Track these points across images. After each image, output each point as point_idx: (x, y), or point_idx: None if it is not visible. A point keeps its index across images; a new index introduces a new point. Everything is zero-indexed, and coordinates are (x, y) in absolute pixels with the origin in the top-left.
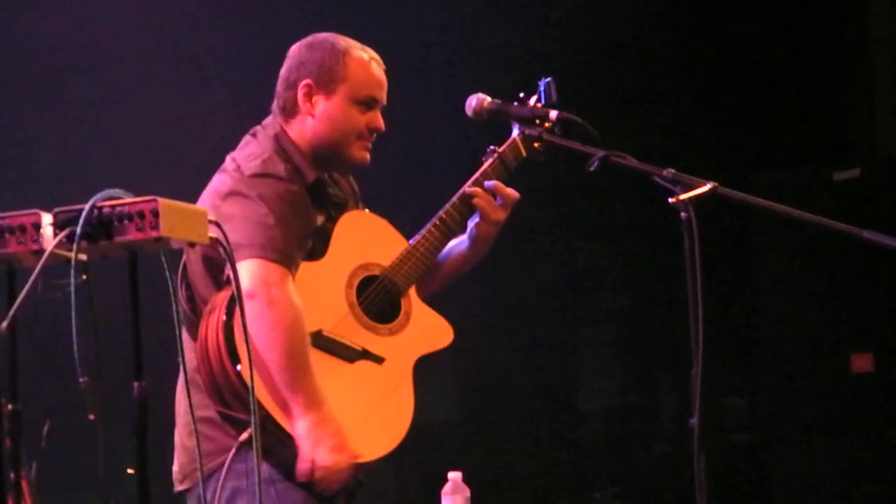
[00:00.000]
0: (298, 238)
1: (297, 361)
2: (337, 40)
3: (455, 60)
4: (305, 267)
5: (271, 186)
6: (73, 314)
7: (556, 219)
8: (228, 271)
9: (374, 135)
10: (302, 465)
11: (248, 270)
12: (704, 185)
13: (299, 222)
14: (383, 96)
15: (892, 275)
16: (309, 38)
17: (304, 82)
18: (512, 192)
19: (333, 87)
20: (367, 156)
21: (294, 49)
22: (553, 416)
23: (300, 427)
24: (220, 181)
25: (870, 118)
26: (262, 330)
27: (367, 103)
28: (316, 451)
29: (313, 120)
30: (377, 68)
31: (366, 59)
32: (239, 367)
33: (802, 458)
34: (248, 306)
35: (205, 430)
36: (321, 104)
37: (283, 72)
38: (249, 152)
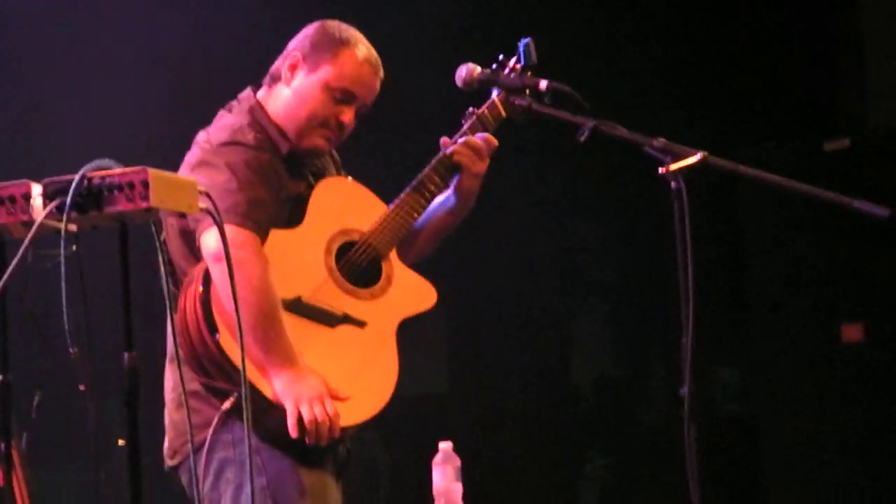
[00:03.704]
0: (266, 203)
1: (267, 320)
2: (346, 32)
3: (439, 25)
4: (282, 235)
5: (238, 154)
6: (63, 285)
7: (546, 191)
8: (198, 239)
9: (342, 130)
10: (290, 424)
11: (213, 236)
12: (694, 154)
13: (267, 188)
14: (365, 96)
15: (882, 244)
16: (329, 21)
17: (294, 54)
18: (483, 143)
19: (316, 67)
20: (325, 144)
21: (310, 25)
22: (544, 387)
23: (279, 386)
24: (191, 154)
25: (860, 88)
26: (230, 291)
27: (343, 97)
28: (299, 407)
29: (288, 91)
30: (368, 70)
31: (360, 57)
32: (217, 335)
33: (793, 428)
34: (215, 270)
35: (191, 403)
36: (300, 78)
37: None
38: (222, 125)
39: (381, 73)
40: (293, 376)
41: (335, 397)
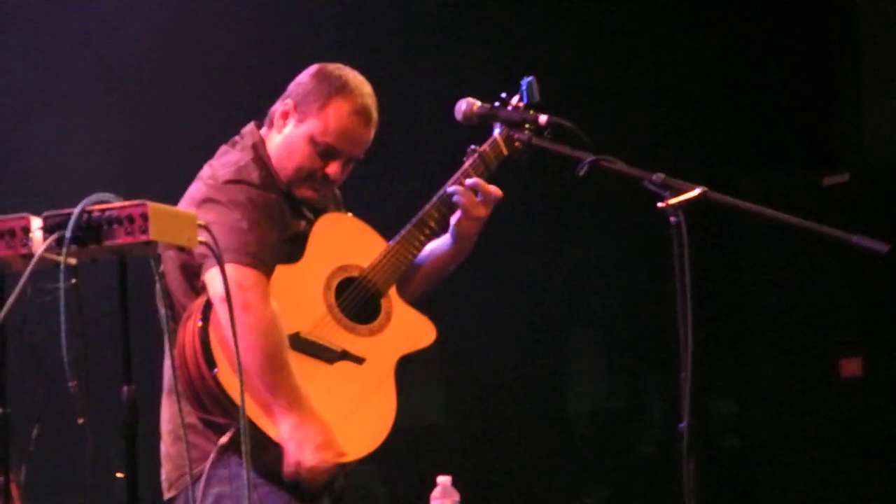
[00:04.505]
0: (272, 243)
1: (275, 363)
2: (340, 80)
3: (439, 59)
4: (283, 270)
5: (244, 192)
6: (63, 318)
7: (545, 222)
8: (203, 278)
9: (329, 183)
10: (287, 467)
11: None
12: (694, 189)
13: (273, 227)
14: (351, 150)
15: (881, 279)
16: (329, 66)
17: (287, 101)
18: (493, 189)
19: (304, 119)
20: (313, 195)
21: (309, 67)
22: (542, 419)
23: (284, 428)
24: (195, 189)
25: (858, 122)
26: (238, 333)
27: (327, 151)
28: (301, 452)
29: (279, 138)
30: (356, 123)
31: (349, 109)
32: (216, 370)
33: (790, 463)
34: (221, 310)
35: (189, 436)
36: (290, 127)
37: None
38: (226, 160)
39: (375, 121)
40: (299, 421)
41: (339, 453)
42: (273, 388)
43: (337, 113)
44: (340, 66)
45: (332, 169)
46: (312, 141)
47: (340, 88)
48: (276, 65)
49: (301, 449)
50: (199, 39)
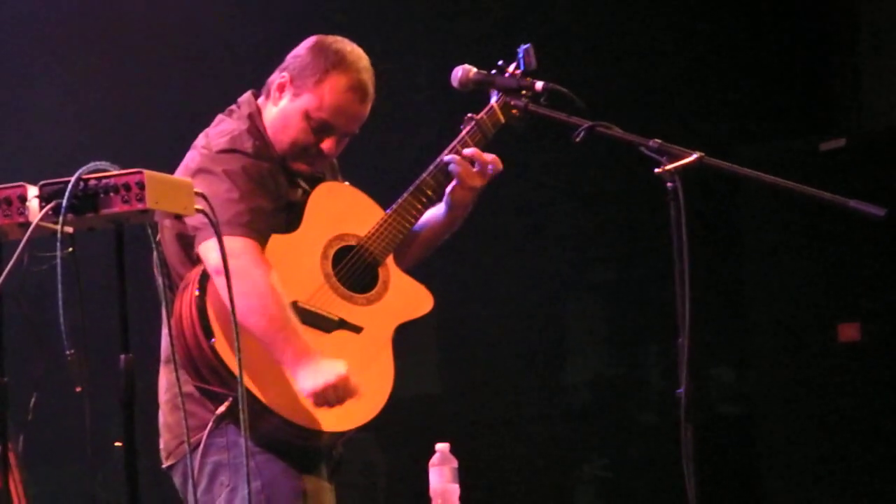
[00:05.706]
0: (265, 211)
1: (277, 323)
2: (337, 54)
3: (435, 27)
4: (279, 240)
5: (237, 161)
6: (60, 287)
7: (541, 189)
8: (197, 250)
9: (324, 157)
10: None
11: (214, 247)
12: (690, 155)
13: (266, 196)
14: (346, 126)
15: (879, 244)
16: (326, 38)
17: (283, 74)
18: (491, 157)
19: (299, 93)
20: (308, 169)
21: (307, 39)
22: (540, 387)
23: (305, 384)
24: (190, 158)
25: (856, 88)
26: (235, 300)
27: (321, 126)
28: (326, 397)
29: (275, 110)
30: (352, 98)
31: (344, 84)
32: (213, 340)
33: (789, 428)
34: (218, 282)
35: (186, 405)
36: (285, 100)
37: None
38: (221, 129)
39: (371, 96)
40: (313, 368)
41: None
42: (278, 346)
43: (332, 89)
44: (338, 38)
45: (327, 144)
46: (307, 116)
47: (336, 63)
48: (273, 34)
49: (322, 396)
50: (197, 8)
